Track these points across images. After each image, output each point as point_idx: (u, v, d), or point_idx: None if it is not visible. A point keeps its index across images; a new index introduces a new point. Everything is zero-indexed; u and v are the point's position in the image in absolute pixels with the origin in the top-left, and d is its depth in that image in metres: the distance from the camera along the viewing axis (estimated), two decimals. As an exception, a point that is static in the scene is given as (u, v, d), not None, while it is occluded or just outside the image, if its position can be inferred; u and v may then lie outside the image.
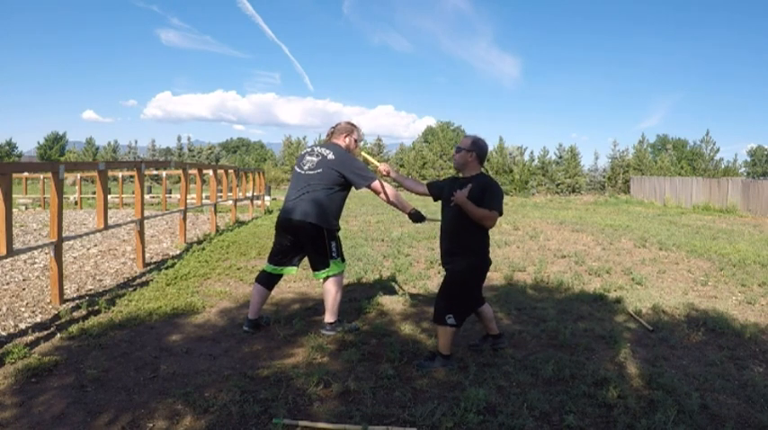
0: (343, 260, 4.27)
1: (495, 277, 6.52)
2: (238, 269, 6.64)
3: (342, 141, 4.28)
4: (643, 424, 2.84)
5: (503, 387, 3.30)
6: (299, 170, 4.19)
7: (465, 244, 3.53)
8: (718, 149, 36.37)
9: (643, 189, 27.32)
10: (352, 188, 4.21)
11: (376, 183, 4.14)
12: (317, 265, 4.19)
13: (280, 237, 4.26)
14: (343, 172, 4.07)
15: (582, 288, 6.03)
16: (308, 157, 4.18)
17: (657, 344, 4.18)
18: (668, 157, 36.14)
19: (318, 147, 4.23)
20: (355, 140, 4.35)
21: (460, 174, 3.69)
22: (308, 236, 4.08)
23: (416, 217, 4.19)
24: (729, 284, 6.42)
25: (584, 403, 3.10)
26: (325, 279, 4.18)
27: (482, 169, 3.65)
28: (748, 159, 50.34)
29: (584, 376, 3.47)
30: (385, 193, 4.18)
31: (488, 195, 3.43)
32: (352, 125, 4.38)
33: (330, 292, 4.19)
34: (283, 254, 4.25)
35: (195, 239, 9.29)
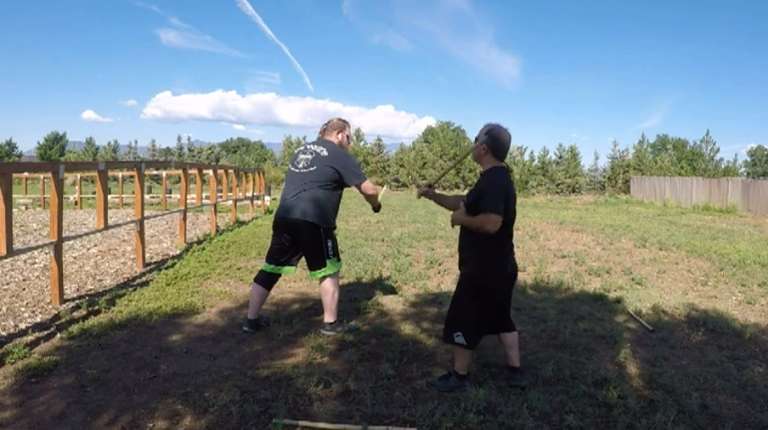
0: (338, 260, 4.27)
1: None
2: (238, 269, 6.64)
3: (335, 138, 4.28)
4: (643, 424, 2.84)
5: (503, 387, 3.30)
6: (293, 169, 4.19)
7: (471, 249, 3.20)
8: (718, 149, 36.45)
9: (643, 189, 27.32)
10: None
11: (366, 184, 4.16)
12: (313, 265, 4.19)
13: (277, 236, 4.26)
14: (337, 167, 4.07)
15: (582, 288, 6.03)
16: (302, 155, 4.18)
17: (657, 344, 4.18)
18: (668, 157, 36.17)
19: (312, 145, 4.23)
20: (348, 137, 4.35)
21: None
22: (304, 234, 4.08)
23: (377, 209, 4.46)
24: (729, 284, 6.42)
25: (584, 403, 3.09)
26: (322, 279, 4.18)
27: (499, 163, 3.22)
28: (748, 159, 50.41)
29: (584, 376, 3.46)
30: (371, 195, 4.24)
31: (484, 199, 3.07)
32: (344, 121, 4.37)
33: (327, 292, 4.19)
34: (281, 253, 4.25)
35: (195, 239, 9.29)
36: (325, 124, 4.37)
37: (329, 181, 4.07)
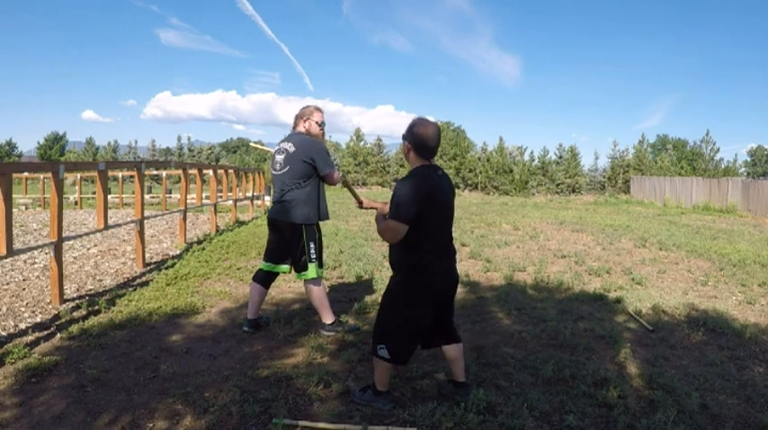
0: (321, 265, 4.26)
1: (495, 277, 6.52)
2: (238, 269, 6.64)
3: (302, 127, 4.26)
4: (643, 424, 2.84)
5: (503, 387, 3.30)
6: (273, 172, 4.20)
7: (393, 255, 2.93)
8: (718, 149, 36.40)
9: (643, 189, 27.32)
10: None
11: (333, 174, 4.12)
12: (297, 266, 4.20)
13: (270, 235, 4.30)
14: (308, 159, 4.04)
15: (582, 288, 6.03)
16: (277, 157, 4.18)
17: (657, 344, 4.18)
18: (668, 157, 36.14)
19: (283, 143, 4.21)
20: (317, 122, 4.25)
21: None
22: (287, 234, 4.11)
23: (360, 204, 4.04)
24: (729, 284, 6.42)
25: (584, 403, 3.09)
26: (305, 282, 4.20)
27: (425, 162, 2.88)
28: (748, 159, 50.38)
29: (584, 376, 3.46)
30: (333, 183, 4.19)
31: (392, 205, 2.76)
32: (312, 109, 4.29)
33: (311, 295, 4.21)
34: (275, 252, 4.26)
35: (195, 239, 9.29)
36: (295, 115, 4.34)
37: (304, 176, 4.06)
